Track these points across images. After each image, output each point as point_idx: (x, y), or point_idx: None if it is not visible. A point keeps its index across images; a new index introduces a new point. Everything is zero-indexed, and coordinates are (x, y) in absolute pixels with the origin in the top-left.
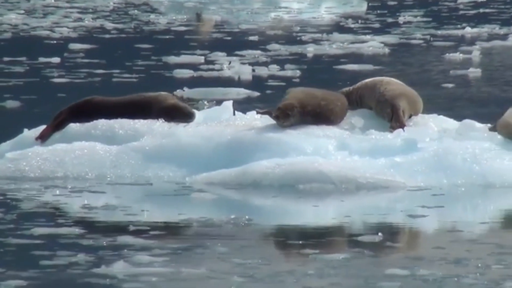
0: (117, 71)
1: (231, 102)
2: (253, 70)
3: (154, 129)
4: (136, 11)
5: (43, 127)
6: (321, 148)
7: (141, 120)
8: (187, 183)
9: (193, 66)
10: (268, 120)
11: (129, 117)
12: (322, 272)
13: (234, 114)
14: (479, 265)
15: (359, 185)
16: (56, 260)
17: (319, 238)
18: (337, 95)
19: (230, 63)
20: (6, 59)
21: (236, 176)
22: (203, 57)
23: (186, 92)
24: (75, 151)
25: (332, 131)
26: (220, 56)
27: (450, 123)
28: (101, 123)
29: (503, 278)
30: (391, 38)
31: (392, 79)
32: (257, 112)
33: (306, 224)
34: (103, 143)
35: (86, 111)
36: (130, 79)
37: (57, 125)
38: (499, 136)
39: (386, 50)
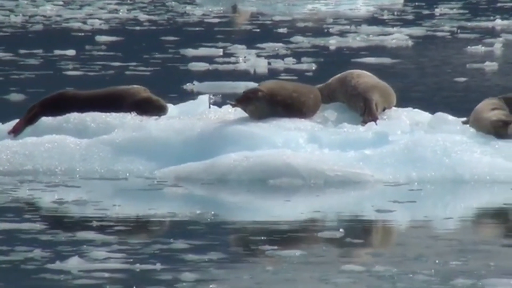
0: (133, 63)
1: (207, 96)
2: (269, 63)
3: (126, 123)
4: (173, 2)
5: (17, 121)
6: (291, 141)
7: (113, 114)
8: (155, 176)
9: (209, 59)
10: (241, 113)
11: (101, 110)
12: (279, 268)
13: (209, 107)
14: (437, 261)
15: (327, 178)
16: (13, 256)
17: (280, 234)
18: (310, 88)
19: (245, 56)
20: (22, 51)
21: (204, 169)
22: (221, 50)
23: (195, 85)
24: (45, 144)
25: (304, 124)
26: (239, 49)
27: (424, 116)
28: (73, 117)
29: (456, 275)
30: (418, 30)
31: (363, 71)
32: (231, 105)
33: (269, 220)
34: (75, 137)
35: (59, 105)
36: (144, 72)
37: (29, 119)
38: (472, 130)
39: (410, 42)
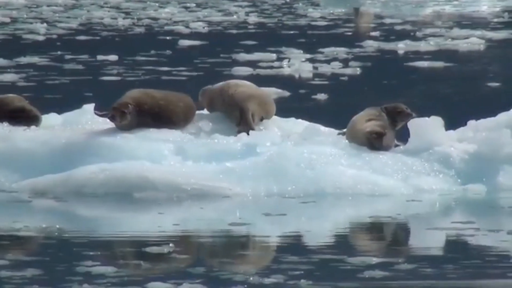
0: (181, 68)
1: (93, 105)
2: (316, 68)
3: None
4: (300, 3)
5: None
6: (156, 153)
7: None
8: (13, 189)
9: (253, 64)
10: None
11: None
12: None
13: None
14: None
15: (183, 192)
16: None
17: (108, 249)
18: (181, 96)
19: (289, 60)
20: (68, 57)
21: (60, 182)
22: (275, 55)
23: None
24: None
25: (173, 134)
26: (295, 53)
27: (303, 126)
28: None
29: None
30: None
31: (242, 81)
32: (96, 114)
33: (107, 234)
34: None
35: None
36: (182, 77)
37: None
38: (345, 141)
39: (482, 46)
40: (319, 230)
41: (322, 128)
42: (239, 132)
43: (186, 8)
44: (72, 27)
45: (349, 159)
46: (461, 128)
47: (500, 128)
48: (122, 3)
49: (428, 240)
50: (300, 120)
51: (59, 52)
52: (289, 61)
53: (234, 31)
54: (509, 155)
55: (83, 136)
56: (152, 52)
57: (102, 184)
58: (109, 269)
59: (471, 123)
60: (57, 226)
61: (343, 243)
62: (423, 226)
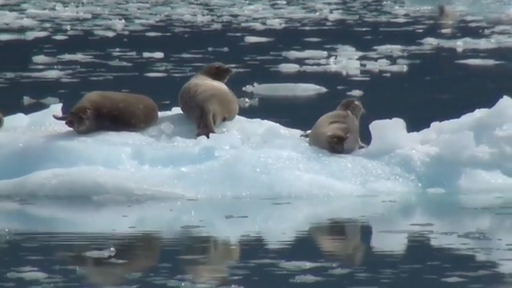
0: (229, 65)
1: (60, 105)
2: (363, 65)
3: None
4: (388, 1)
5: None
6: (113, 157)
7: None
8: None
9: (301, 61)
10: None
11: None
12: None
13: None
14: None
15: (136, 197)
16: None
17: (51, 254)
18: (141, 98)
19: (336, 57)
20: (115, 53)
21: (14, 186)
22: (326, 52)
23: (255, 87)
24: None
25: (133, 138)
26: (348, 51)
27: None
28: None
29: None
30: None
31: (203, 79)
32: (54, 118)
33: (53, 238)
34: None
35: None
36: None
37: None
38: (306, 144)
39: None
40: (265, 233)
41: (283, 130)
42: (198, 135)
43: (273, 5)
44: (150, 24)
45: (307, 163)
46: (425, 130)
47: (462, 130)
48: (212, 0)
49: (375, 244)
50: (265, 121)
51: (117, 49)
52: (335, 58)
53: (307, 28)
54: (470, 157)
55: (41, 140)
56: (209, 49)
57: (55, 190)
58: (39, 275)
59: (435, 124)
60: (6, 229)
61: (284, 247)
62: (372, 229)
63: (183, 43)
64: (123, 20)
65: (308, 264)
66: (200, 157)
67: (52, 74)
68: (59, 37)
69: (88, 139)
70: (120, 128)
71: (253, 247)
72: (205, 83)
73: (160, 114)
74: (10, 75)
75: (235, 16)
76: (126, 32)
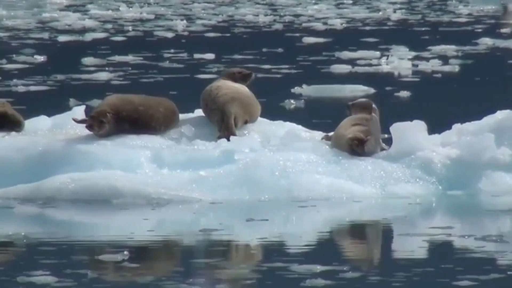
0: (282, 66)
1: (83, 107)
2: (415, 66)
3: None
4: (454, 1)
5: None
6: (132, 161)
7: None
8: None
9: (352, 62)
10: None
11: None
12: None
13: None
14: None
15: (153, 201)
16: None
17: (65, 257)
18: (161, 100)
19: (387, 58)
20: (167, 55)
21: (30, 191)
22: (378, 52)
23: (303, 88)
24: None
25: (152, 141)
26: (401, 51)
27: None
28: None
29: None
30: None
31: (225, 82)
32: (74, 121)
33: (69, 241)
34: None
35: None
36: (278, 75)
37: None
38: (326, 147)
39: None
40: (282, 236)
41: (303, 132)
42: (219, 138)
43: (337, 5)
44: (211, 24)
45: (326, 166)
46: (446, 132)
47: (483, 132)
48: (278, 0)
49: (391, 247)
50: (287, 123)
51: (172, 50)
52: (387, 59)
53: (368, 28)
54: (491, 159)
55: (60, 144)
56: (264, 50)
57: (72, 194)
58: (49, 279)
59: (456, 126)
60: (22, 233)
61: (299, 251)
62: (390, 232)
63: (239, 44)
64: (184, 21)
65: (319, 268)
66: (219, 160)
67: (102, 76)
68: (118, 38)
69: (107, 143)
70: (140, 131)
71: (267, 250)
72: (227, 86)
73: (182, 116)
74: (60, 77)
75: (298, 16)
76: (186, 33)
